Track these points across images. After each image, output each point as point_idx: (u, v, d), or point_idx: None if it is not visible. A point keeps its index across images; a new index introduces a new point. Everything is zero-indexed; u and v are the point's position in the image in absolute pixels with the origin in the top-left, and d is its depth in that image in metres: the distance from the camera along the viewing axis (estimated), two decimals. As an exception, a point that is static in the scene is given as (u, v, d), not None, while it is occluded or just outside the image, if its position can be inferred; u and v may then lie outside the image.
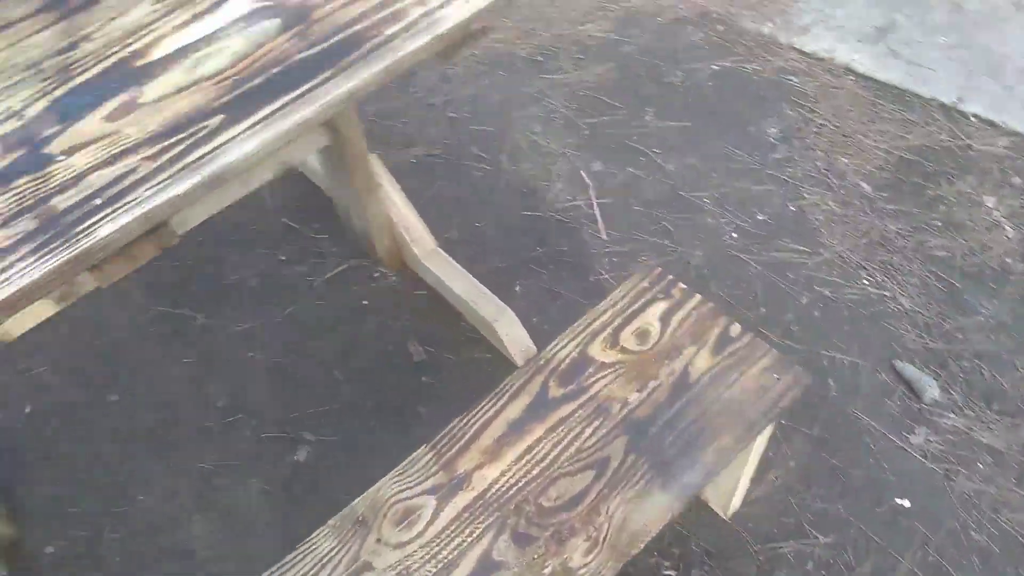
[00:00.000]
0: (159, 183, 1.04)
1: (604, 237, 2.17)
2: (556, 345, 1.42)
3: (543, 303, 2.03)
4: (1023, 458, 1.74)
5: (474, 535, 1.22)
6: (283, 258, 2.20)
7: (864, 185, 2.24)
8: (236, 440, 1.86)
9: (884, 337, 1.92)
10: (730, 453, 1.28)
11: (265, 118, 1.10)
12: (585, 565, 1.18)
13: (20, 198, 1.04)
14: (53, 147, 1.10)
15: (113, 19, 1.26)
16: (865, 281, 2.03)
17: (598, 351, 1.40)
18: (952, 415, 1.80)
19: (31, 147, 1.10)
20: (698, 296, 1.46)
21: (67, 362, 2.02)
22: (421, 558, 1.20)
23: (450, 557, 1.20)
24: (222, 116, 1.12)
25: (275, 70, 1.17)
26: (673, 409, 1.33)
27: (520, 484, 1.26)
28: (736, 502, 1.67)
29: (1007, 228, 2.10)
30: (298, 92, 1.13)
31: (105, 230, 1.01)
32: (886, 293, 2.00)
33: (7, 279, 0.96)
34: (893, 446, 1.76)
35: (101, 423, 1.91)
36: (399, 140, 2.42)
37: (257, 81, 1.16)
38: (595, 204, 2.23)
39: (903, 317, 1.95)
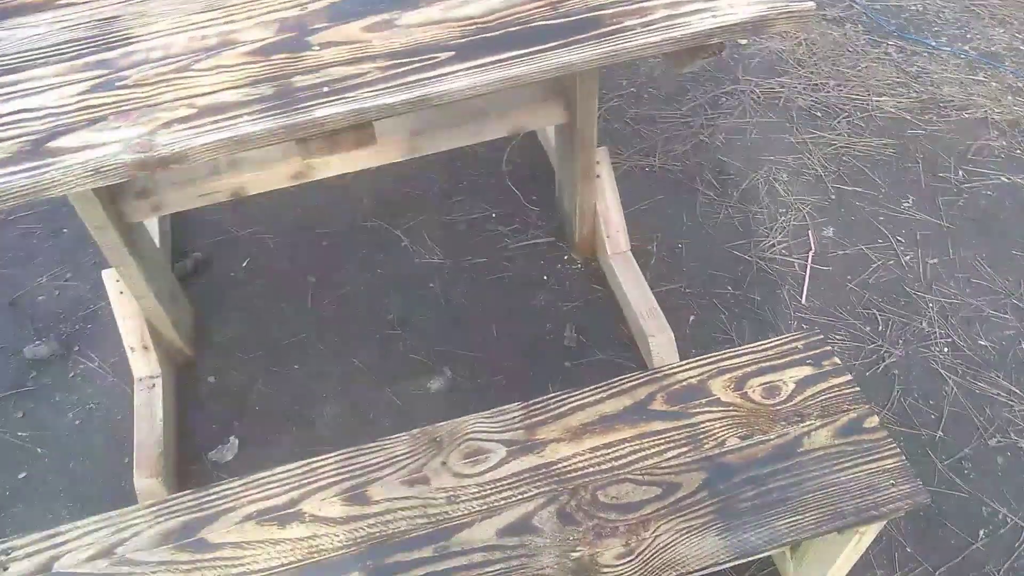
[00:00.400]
0: (377, 90, 1.17)
1: (803, 302, 2.06)
2: (681, 365, 1.40)
3: (709, 342, 1.99)
4: None
5: (526, 495, 1.25)
6: (493, 215, 2.34)
7: None
8: (389, 351, 2.04)
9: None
10: (805, 533, 1.19)
11: (484, 65, 1.20)
12: (613, 568, 1.17)
13: (272, 69, 1.23)
14: (314, 39, 1.28)
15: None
16: (1080, 454, 1.75)
17: (718, 387, 1.36)
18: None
19: (299, 33, 1.29)
20: (848, 376, 1.37)
21: (287, 237, 2.31)
22: (471, 493, 1.26)
23: (495, 504, 1.25)
24: (452, 53, 1.23)
25: (514, 28, 1.27)
26: (767, 468, 1.26)
27: (586, 471, 1.28)
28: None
29: None
30: (524, 52, 1.21)
31: (320, 112, 1.16)
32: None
33: (236, 123, 1.15)
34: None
35: (292, 295, 2.18)
36: (643, 146, 2.46)
37: (495, 33, 1.26)
38: (808, 267, 2.13)
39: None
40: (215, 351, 2.10)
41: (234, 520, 1.25)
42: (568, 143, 1.99)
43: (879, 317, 2.03)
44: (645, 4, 1.28)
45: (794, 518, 1.21)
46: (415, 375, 1.98)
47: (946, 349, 1.96)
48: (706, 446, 1.29)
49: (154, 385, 1.92)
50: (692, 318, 2.05)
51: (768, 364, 1.39)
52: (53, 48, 1.30)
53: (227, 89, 1.19)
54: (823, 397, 1.34)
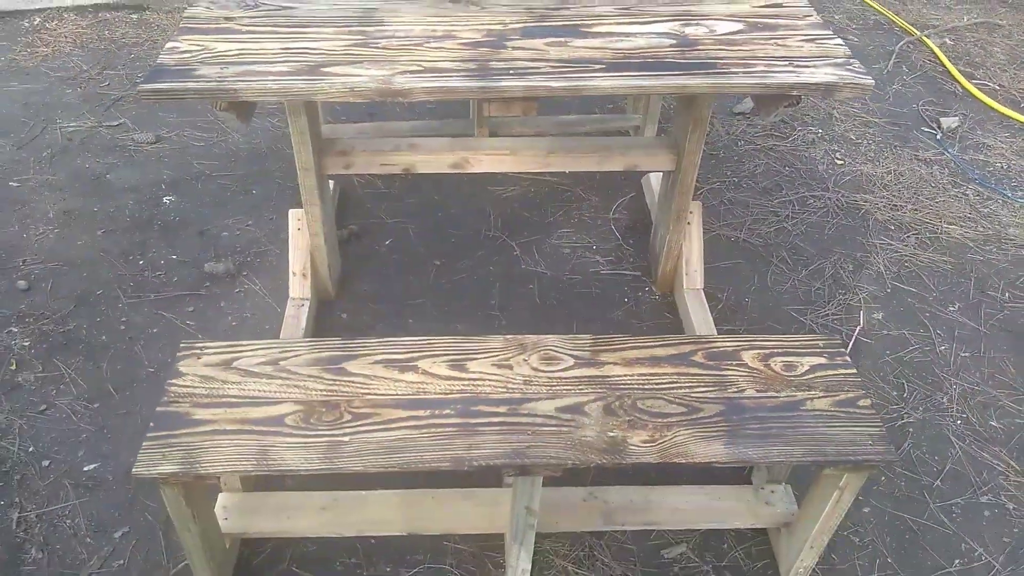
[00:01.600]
0: (546, 77, 1.68)
1: (842, 364, 2.39)
2: (721, 337, 1.78)
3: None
4: None
5: (582, 392, 1.65)
6: (594, 247, 2.80)
7: None
8: (487, 326, 2.48)
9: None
10: (792, 458, 1.53)
11: (624, 76, 1.70)
12: (637, 448, 1.54)
13: (477, 55, 1.76)
14: (509, 43, 1.81)
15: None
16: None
17: (748, 357, 1.74)
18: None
19: (499, 39, 1.83)
20: (853, 370, 1.72)
21: (425, 230, 2.83)
22: (542, 382, 1.66)
23: (558, 392, 1.64)
24: (603, 67, 1.74)
25: (650, 59, 1.77)
26: (773, 414, 1.62)
27: (631, 386, 1.66)
28: (801, 572, 1.82)
29: None
30: (652, 73, 1.71)
31: (505, 83, 1.67)
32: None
33: (448, 79, 1.67)
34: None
35: (420, 271, 2.67)
36: (733, 221, 2.90)
37: (636, 60, 1.77)
38: (855, 337, 2.47)
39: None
40: (351, 297, 2.59)
41: (367, 361, 1.70)
42: (671, 188, 2.44)
43: (906, 386, 2.33)
44: (750, 59, 1.76)
45: (786, 447, 1.55)
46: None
47: (959, 422, 2.24)
48: (728, 391, 1.66)
49: (303, 305, 2.41)
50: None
51: (791, 349, 1.76)
52: (329, 19, 1.88)
53: (445, 61, 1.73)
54: (829, 378, 1.69)
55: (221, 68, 1.68)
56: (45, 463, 2.08)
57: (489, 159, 2.35)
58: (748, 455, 1.54)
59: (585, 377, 1.68)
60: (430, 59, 1.72)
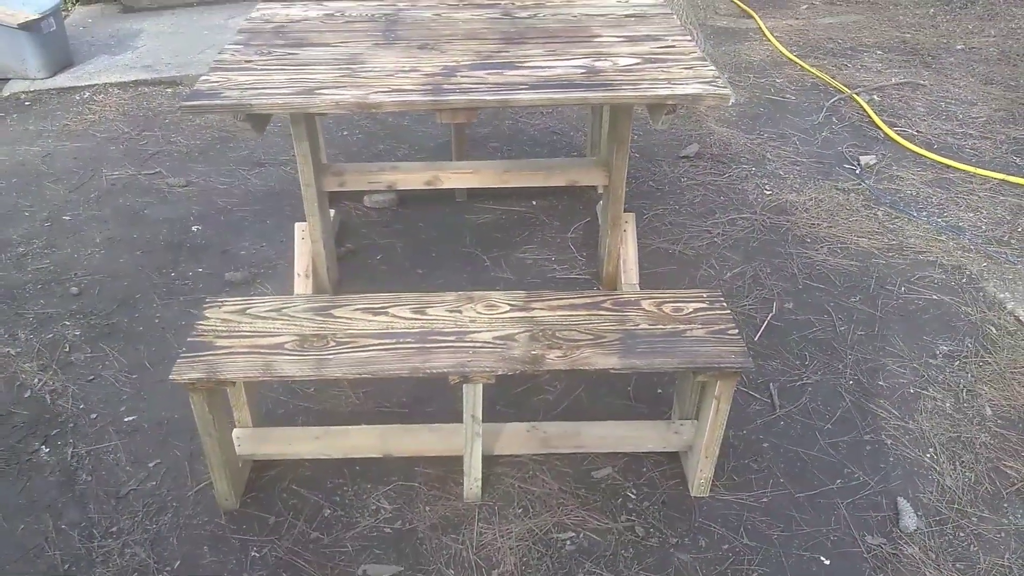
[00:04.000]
0: (483, 93, 2.24)
1: (755, 340, 2.85)
2: (627, 292, 2.27)
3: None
4: None
5: (514, 327, 2.13)
6: (553, 259, 3.31)
7: (987, 409, 2.57)
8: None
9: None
10: (670, 365, 2.00)
11: (542, 92, 2.25)
12: (551, 360, 2.01)
13: (432, 81, 2.32)
14: (458, 75, 2.38)
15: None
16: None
17: (646, 304, 2.22)
18: None
19: (450, 72, 2.40)
20: (728, 311, 2.19)
21: (411, 248, 3.36)
22: (484, 320, 2.15)
23: (494, 327, 2.13)
24: (528, 87, 2.29)
25: (563, 82, 2.31)
26: (659, 338, 2.09)
27: (552, 323, 2.14)
28: (702, 482, 2.24)
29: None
30: (563, 90, 2.26)
31: (451, 97, 2.23)
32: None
33: (408, 96, 2.23)
34: None
35: (405, 278, 3.18)
36: (671, 238, 3.41)
37: (553, 82, 2.32)
38: (767, 322, 2.93)
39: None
40: (349, 270, 3.09)
41: (350, 309, 2.20)
42: (607, 201, 2.97)
43: (808, 356, 2.79)
44: (639, 81, 2.31)
45: (667, 359, 2.02)
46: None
47: (851, 382, 2.68)
48: (626, 324, 2.14)
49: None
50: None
51: (681, 298, 2.24)
52: (325, 60, 2.46)
53: (409, 85, 2.29)
54: (707, 316, 2.17)
55: (241, 91, 2.25)
56: (93, 415, 2.55)
57: (456, 176, 2.90)
58: (636, 364, 2.01)
59: (518, 318, 2.17)
60: (397, 84, 2.28)
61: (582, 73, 2.36)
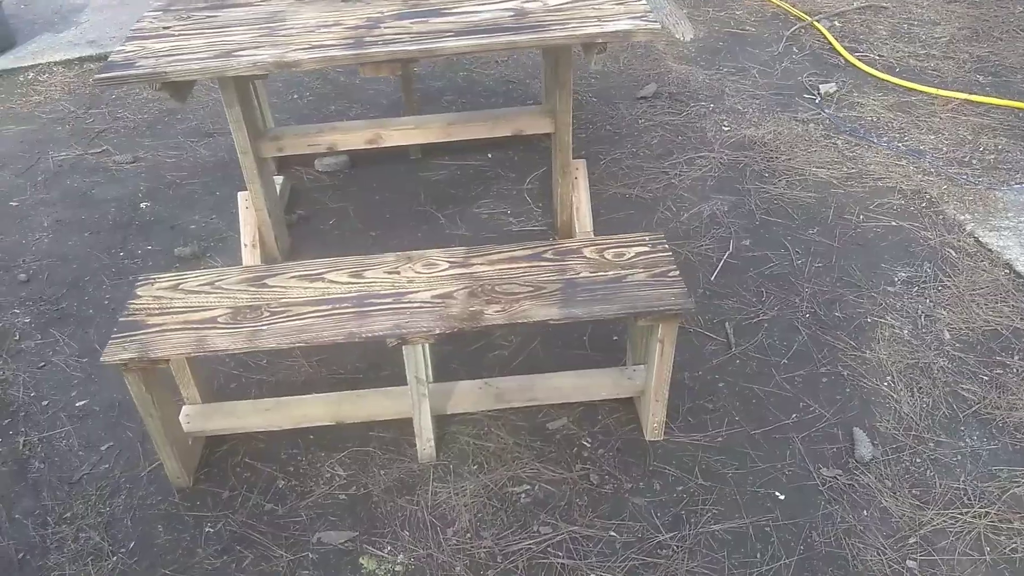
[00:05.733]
0: (406, 44, 2.16)
1: (712, 280, 2.82)
2: (570, 240, 2.23)
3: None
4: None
5: (453, 284, 2.09)
6: (508, 212, 3.25)
7: (946, 334, 2.55)
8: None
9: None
10: (609, 313, 1.96)
11: (469, 37, 2.18)
12: (490, 315, 1.98)
13: (355, 34, 2.24)
14: (382, 26, 2.30)
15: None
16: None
17: (588, 251, 2.18)
18: None
19: (375, 23, 2.31)
20: (670, 254, 2.15)
21: (364, 210, 3.30)
22: (422, 280, 2.11)
23: (434, 285, 2.08)
24: (453, 34, 2.21)
25: (490, 26, 2.23)
26: (600, 285, 2.05)
27: (492, 278, 2.10)
28: (655, 426, 2.23)
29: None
30: (490, 34, 2.18)
31: (373, 50, 2.15)
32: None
33: (330, 51, 2.15)
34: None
35: (359, 243, 3.13)
36: (628, 181, 3.35)
37: (480, 27, 2.24)
38: (723, 260, 2.90)
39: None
40: (304, 235, 3.04)
41: (285, 277, 2.15)
42: (554, 148, 2.90)
43: (765, 293, 2.75)
44: (568, 20, 2.23)
45: (607, 306, 1.98)
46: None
47: (807, 315, 2.65)
48: (567, 274, 2.10)
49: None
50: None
51: (623, 244, 2.19)
52: (244, 20, 2.38)
53: (330, 40, 2.21)
54: (649, 259, 2.13)
55: (156, 60, 2.17)
56: (44, 402, 2.52)
57: (398, 133, 2.83)
58: (575, 313, 1.97)
59: (457, 275, 2.12)
60: (318, 40, 2.20)
61: (511, 16, 2.28)
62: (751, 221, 3.10)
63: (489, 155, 3.63)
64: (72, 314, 2.88)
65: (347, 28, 2.26)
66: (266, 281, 2.14)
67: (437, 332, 1.97)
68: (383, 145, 2.85)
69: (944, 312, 2.63)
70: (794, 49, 4.40)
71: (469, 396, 2.30)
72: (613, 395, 2.33)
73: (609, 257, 2.15)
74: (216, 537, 2.10)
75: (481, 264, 2.16)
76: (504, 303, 2.02)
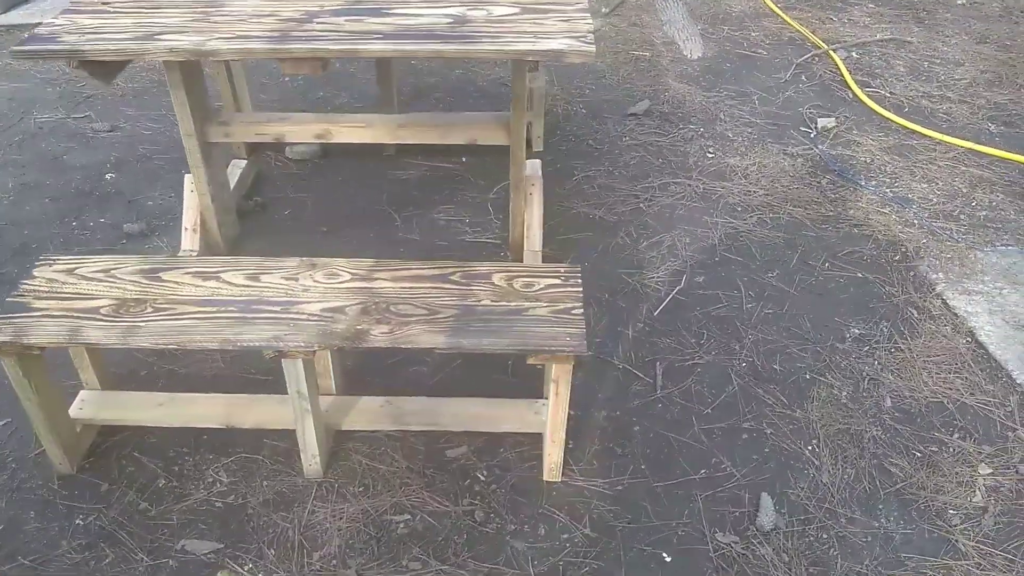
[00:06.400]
0: (330, 42, 2.07)
1: (655, 315, 2.69)
2: (483, 263, 2.12)
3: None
4: None
5: (348, 298, 2.00)
6: (467, 220, 3.15)
7: (887, 400, 2.39)
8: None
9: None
10: (498, 348, 1.86)
11: (397, 43, 2.08)
12: (375, 336, 1.89)
13: (285, 27, 2.16)
14: (315, 21, 2.21)
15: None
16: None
17: (497, 278, 2.07)
18: None
19: (310, 16, 2.23)
20: (579, 289, 2.03)
21: (323, 204, 3.23)
22: (318, 291, 2.02)
23: (328, 297, 2.00)
24: (382, 36, 2.11)
25: (424, 31, 2.13)
26: (496, 316, 1.95)
27: (390, 295, 2.01)
28: (551, 467, 2.12)
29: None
30: (420, 41, 2.09)
31: (294, 46, 2.06)
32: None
33: (249, 43, 2.07)
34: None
35: (308, 238, 3.06)
36: (596, 202, 3.23)
37: (413, 32, 2.14)
38: (671, 295, 2.77)
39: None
40: (240, 253, 2.98)
41: (180, 272, 2.08)
42: (511, 161, 2.80)
43: (705, 335, 2.62)
44: (505, 33, 2.12)
45: (497, 339, 1.88)
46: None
47: (744, 364, 2.51)
48: (468, 300, 2.00)
49: (190, 256, 2.82)
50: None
51: (536, 273, 2.09)
52: (181, 2, 2.30)
53: (256, 31, 2.13)
54: (556, 294, 2.01)
55: (79, 36, 2.11)
56: (-47, 369, 2.50)
57: (348, 130, 2.74)
58: (462, 344, 1.88)
59: (356, 288, 2.04)
60: (244, 30, 2.13)
61: (449, 23, 2.18)
62: (710, 256, 2.96)
63: (464, 159, 3.53)
64: (9, 281, 2.85)
65: (280, 20, 2.19)
66: (160, 275, 2.08)
67: (315, 349, 1.88)
68: (333, 141, 2.77)
69: (890, 377, 2.47)
70: (803, 78, 4.22)
71: (367, 414, 2.21)
72: (517, 429, 2.23)
73: (516, 287, 2.04)
74: (84, 531, 2.05)
75: (384, 279, 2.07)
76: (393, 325, 1.92)
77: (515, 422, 2.20)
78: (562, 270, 2.10)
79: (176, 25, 2.16)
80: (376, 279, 2.07)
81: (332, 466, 2.20)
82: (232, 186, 3.19)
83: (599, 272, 2.89)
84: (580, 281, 2.07)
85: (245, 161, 3.34)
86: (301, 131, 2.75)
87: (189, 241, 2.85)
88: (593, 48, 2.04)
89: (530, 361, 1.91)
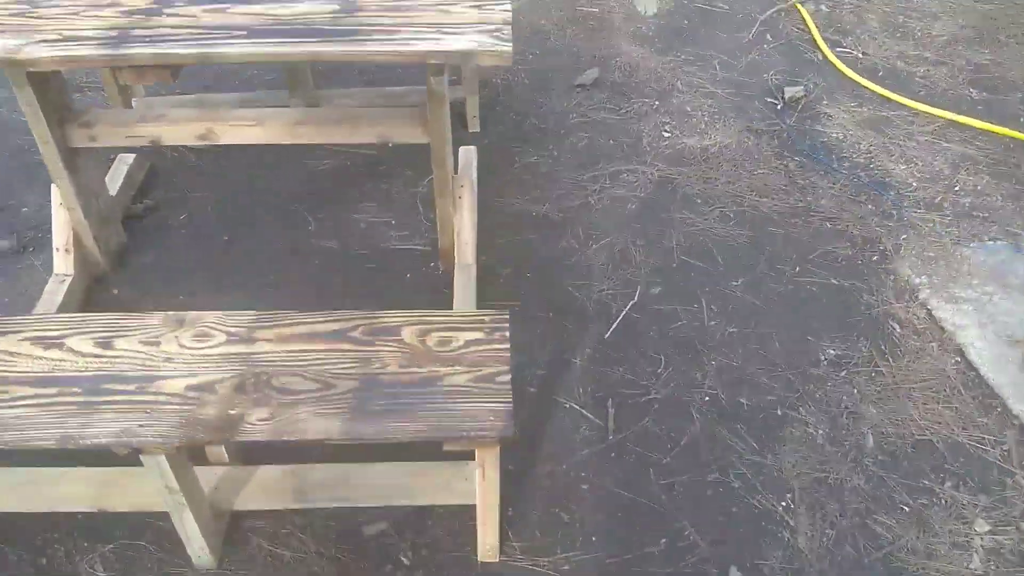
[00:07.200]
0: (178, 45, 1.63)
1: (605, 337, 2.35)
2: (390, 313, 1.74)
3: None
4: None
5: (221, 369, 1.62)
6: (392, 222, 2.75)
7: (869, 439, 2.10)
8: (258, 303, 2.45)
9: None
10: (407, 435, 1.50)
11: (259, 43, 1.65)
12: (252, 425, 1.52)
13: (128, 23, 1.71)
14: (168, 10, 1.76)
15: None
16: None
17: (407, 333, 1.70)
18: None
19: (161, 5, 1.77)
20: (506, 344, 1.67)
21: (226, 203, 2.80)
22: (183, 359, 1.63)
23: (196, 369, 1.61)
24: (245, 33, 1.68)
25: (300, 26, 1.70)
26: (406, 390, 1.58)
27: (273, 363, 1.63)
28: (487, 548, 1.80)
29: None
30: (292, 40, 1.66)
31: (133, 51, 1.62)
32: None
33: (77, 48, 1.62)
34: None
35: (204, 246, 2.64)
36: (538, 196, 2.84)
37: (286, 27, 1.70)
38: (623, 313, 2.42)
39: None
40: (129, 271, 2.57)
41: (17, 338, 1.68)
42: (432, 162, 2.39)
43: (663, 361, 2.29)
44: (402, 27, 1.70)
45: (403, 424, 1.52)
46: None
47: (707, 399, 2.19)
48: (371, 367, 1.63)
49: (63, 281, 2.39)
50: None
51: (455, 325, 1.71)
52: (2, -12, 1.83)
53: (90, 30, 1.68)
54: (479, 354, 1.65)
55: None
56: None
57: (234, 130, 2.31)
58: (361, 432, 1.51)
59: (231, 354, 1.65)
60: (76, 28, 1.68)
61: (332, 12, 1.75)
62: (668, 261, 2.61)
63: (389, 144, 3.10)
64: None
65: (122, 12, 1.74)
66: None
67: (177, 444, 1.50)
68: (216, 142, 2.33)
69: (872, 410, 2.17)
70: (768, 36, 3.82)
71: (265, 489, 1.86)
72: (445, 501, 1.89)
73: (431, 344, 1.67)
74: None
75: (269, 340, 1.68)
76: (275, 407, 1.55)
77: (442, 492, 1.87)
78: (487, 319, 1.73)
79: (-12, 21, 1.70)
80: (258, 340, 1.68)
81: (228, 553, 1.85)
82: (118, 188, 2.74)
83: (543, 284, 2.52)
84: (508, 335, 1.70)
85: (134, 156, 2.88)
86: (179, 132, 2.31)
87: (62, 262, 2.42)
88: (508, 47, 1.64)
89: (447, 448, 1.56)
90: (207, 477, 1.84)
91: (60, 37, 1.64)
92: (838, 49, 3.71)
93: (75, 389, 1.58)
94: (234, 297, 2.45)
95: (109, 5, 1.76)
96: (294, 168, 2.97)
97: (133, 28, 1.67)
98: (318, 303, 2.41)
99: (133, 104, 3.01)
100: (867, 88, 3.44)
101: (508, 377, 1.61)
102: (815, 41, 3.76)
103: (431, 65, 1.72)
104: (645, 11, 4.00)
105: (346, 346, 1.67)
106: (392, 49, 1.62)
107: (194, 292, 2.49)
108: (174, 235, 2.71)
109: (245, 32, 1.66)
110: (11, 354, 1.65)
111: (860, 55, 3.69)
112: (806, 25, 3.88)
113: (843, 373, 2.27)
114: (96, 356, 1.64)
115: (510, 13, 1.76)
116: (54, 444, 1.50)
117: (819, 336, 2.37)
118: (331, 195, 2.86)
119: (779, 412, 2.16)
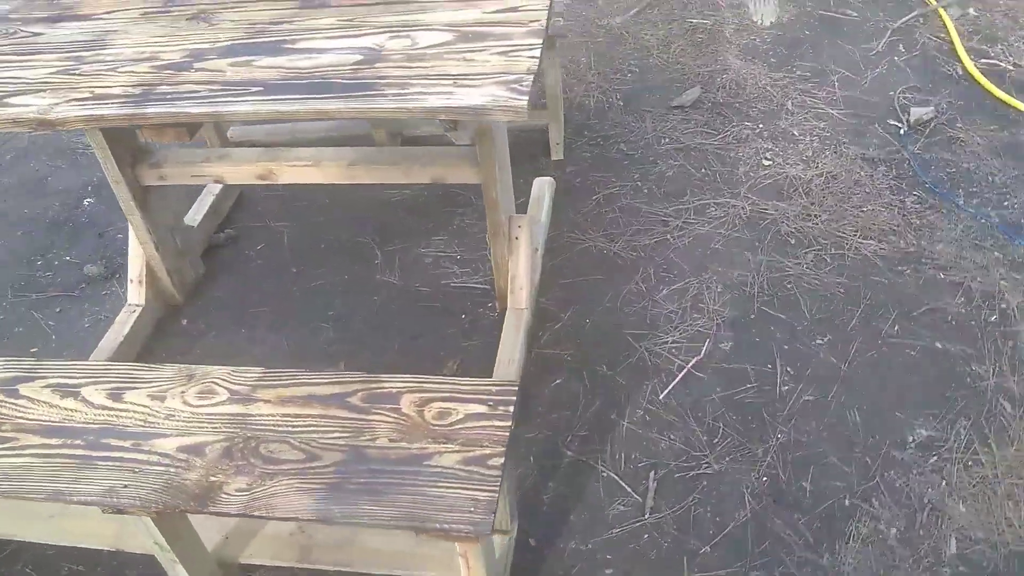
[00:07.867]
0: (195, 102, 1.62)
1: (660, 398, 2.15)
2: (393, 377, 1.66)
3: (555, 405, 2.15)
4: None
5: (215, 430, 1.60)
6: (458, 257, 2.68)
7: (952, 545, 1.79)
8: (314, 338, 2.44)
9: None
10: (377, 521, 1.41)
11: (275, 100, 1.60)
12: (226, 496, 1.48)
13: (155, 79, 1.72)
14: (196, 64, 1.74)
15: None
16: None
17: (406, 402, 1.61)
18: None
19: (194, 59, 1.77)
20: (508, 421, 1.54)
21: (300, 235, 2.83)
22: (182, 418, 1.63)
23: (191, 429, 1.60)
24: (261, 88, 1.64)
25: (318, 80, 1.64)
26: (388, 467, 1.49)
27: (265, 427, 1.59)
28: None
29: None
30: (287, 98, 1.59)
31: (151, 110, 1.62)
32: None
33: (102, 108, 1.64)
34: None
35: (276, 278, 2.68)
36: (611, 232, 2.67)
37: (303, 82, 1.64)
38: (686, 370, 2.21)
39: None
40: (200, 303, 2.65)
41: (40, 385, 1.74)
42: (486, 203, 2.29)
43: (721, 431, 2.06)
44: (418, 79, 1.60)
45: (376, 508, 1.43)
46: (324, 358, 2.36)
47: (765, 479, 1.95)
48: (362, 438, 1.55)
49: (134, 312, 2.50)
50: (557, 382, 2.23)
51: (457, 395, 1.60)
52: (62, 44, 1.91)
53: (119, 87, 1.70)
54: (476, 431, 1.53)
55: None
56: None
57: (293, 170, 2.31)
58: (332, 512, 1.44)
59: (228, 415, 1.63)
60: (107, 85, 1.70)
61: (356, 63, 1.67)
62: (745, 312, 2.36)
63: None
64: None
65: (154, 67, 1.75)
66: (19, 387, 1.74)
67: (156, 509, 1.49)
68: (276, 182, 2.35)
69: (961, 508, 1.85)
70: (900, 47, 3.41)
71: (273, 544, 1.83)
72: None
73: (428, 416, 1.57)
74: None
75: (269, 400, 1.64)
76: (255, 476, 1.51)
77: (440, 568, 1.76)
78: (493, 391, 1.61)
79: (36, 79, 1.77)
80: (257, 400, 1.64)
81: (234, 604, 1.85)
82: (201, 217, 2.84)
83: (601, 332, 2.36)
84: (512, 409, 1.56)
85: (221, 186, 2.97)
86: (240, 172, 2.34)
87: (135, 294, 2.53)
88: (523, 101, 1.49)
89: (421, 536, 1.45)
90: (219, 526, 1.83)
91: (91, 95, 1.67)
92: (983, 60, 3.25)
93: (78, 442, 1.61)
94: (288, 335, 2.47)
95: (147, 59, 1.78)
96: (370, 199, 2.96)
97: (159, 85, 1.67)
98: (369, 343, 2.39)
99: (228, 135, 3.10)
100: (1012, 106, 2.99)
101: (501, 461, 1.48)
102: (955, 51, 3.31)
103: (442, 121, 1.62)
104: (762, 21, 3.69)
105: (341, 413, 1.60)
106: (400, 106, 1.52)
107: (255, 326, 2.53)
108: (249, 266, 2.77)
109: (261, 89, 1.61)
110: (32, 400, 1.71)
111: (1010, 66, 3.22)
112: (947, 33, 3.43)
113: (932, 459, 1.95)
114: (105, 408, 1.67)
115: (536, 60, 1.61)
116: (44, 497, 1.53)
117: (910, 412, 2.05)
118: (402, 227, 2.83)
119: (847, 502, 1.89)
